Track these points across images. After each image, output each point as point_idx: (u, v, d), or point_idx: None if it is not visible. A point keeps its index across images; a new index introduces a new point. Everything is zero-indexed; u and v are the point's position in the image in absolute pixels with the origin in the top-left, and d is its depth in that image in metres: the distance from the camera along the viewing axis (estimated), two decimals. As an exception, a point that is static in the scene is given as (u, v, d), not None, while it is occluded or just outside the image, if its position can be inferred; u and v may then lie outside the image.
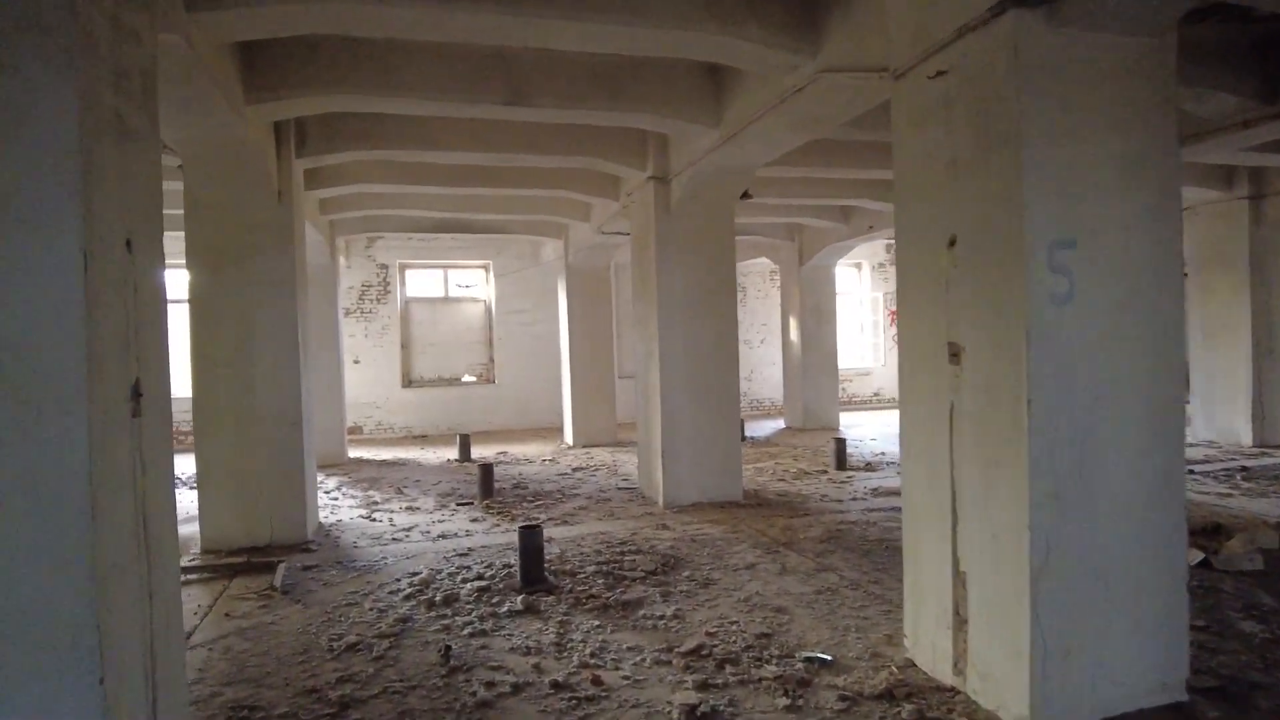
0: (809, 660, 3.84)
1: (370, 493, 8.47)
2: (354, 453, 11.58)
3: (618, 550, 5.84)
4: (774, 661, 3.84)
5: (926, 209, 3.65)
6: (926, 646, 3.72)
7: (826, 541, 6.04)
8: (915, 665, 3.78)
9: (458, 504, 7.74)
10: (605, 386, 11.78)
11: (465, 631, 4.30)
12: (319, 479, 9.12)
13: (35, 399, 2.06)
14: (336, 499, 8.19)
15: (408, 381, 13.78)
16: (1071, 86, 3.14)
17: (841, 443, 9.32)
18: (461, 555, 5.86)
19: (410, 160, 7.85)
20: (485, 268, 14.21)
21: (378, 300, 13.45)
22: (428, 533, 6.59)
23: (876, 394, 16.82)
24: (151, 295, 2.65)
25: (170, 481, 2.82)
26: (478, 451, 11.18)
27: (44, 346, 2.07)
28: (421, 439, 13.20)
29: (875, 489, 8.02)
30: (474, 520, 7.01)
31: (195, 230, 6.13)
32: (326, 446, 10.42)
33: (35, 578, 2.08)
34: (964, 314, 3.42)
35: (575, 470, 9.54)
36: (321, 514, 7.45)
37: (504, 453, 11.22)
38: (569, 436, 11.82)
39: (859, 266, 16.80)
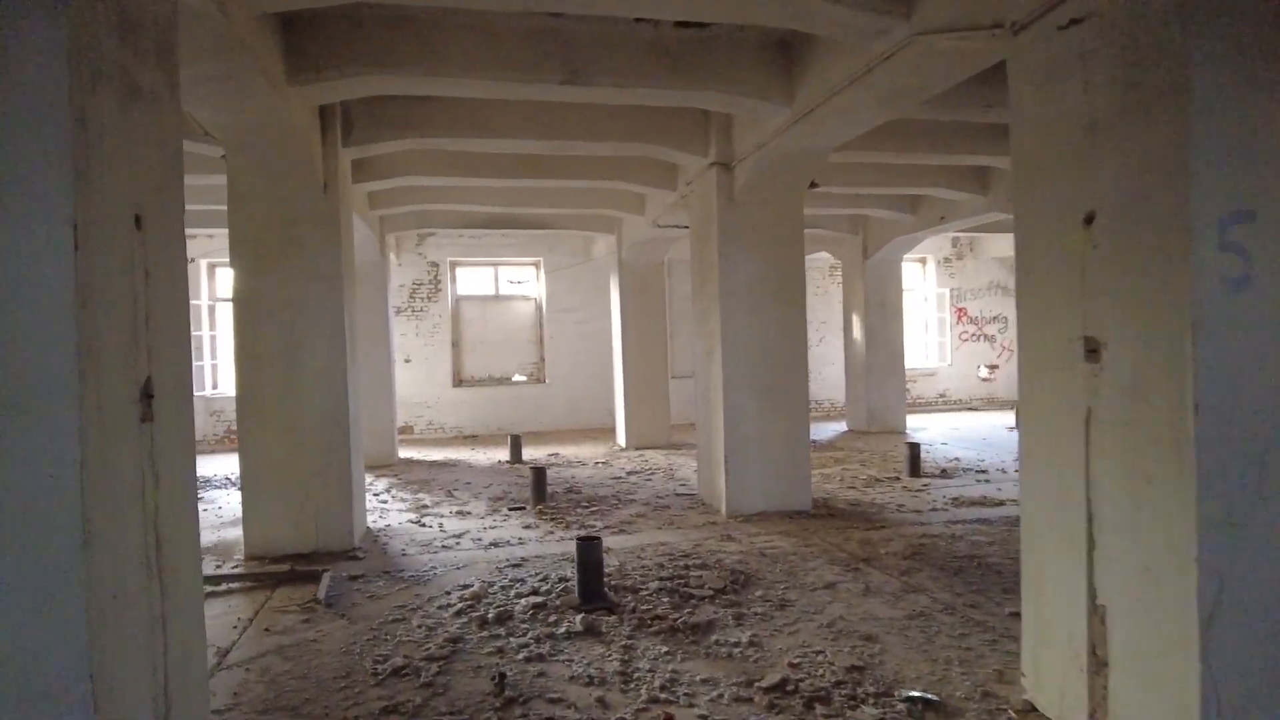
0: (911, 700, 3.35)
1: (420, 495, 8.20)
2: (404, 453, 11.39)
3: (681, 564, 5.40)
4: (871, 701, 3.36)
5: (1055, 182, 3.12)
6: (1052, 689, 3.19)
7: (911, 558, 5.51)
8: (1037, 710, 3.26)
9: (510, 509, 7.40)
10: (659, 387, 11.36)
11: (520, 655, 3.91)
12: (369, 481, 8.90)
13: (16, 403, 1.71)
14: (386, 502, 7.93)
15: (458, 381, 13.57)
16: (1248, 25, 2.59)
17: (915, 448, 8.72)
18: (515, 566, 5.49)
19: (460, 150, 7.54)
20: (536, 265, 13.92)
21: (428, 298, 13.26)
22: (479, 540, 6.25)
23: (942, 395, 16.04)
24: (168, 281, 2.31)
25: (190, 493, 2.47)
26: (529, 453, 10.88)
27: (26, 341, 1.72)
28: (472, 439, 12.97)
29: (956, 498, 7.41)
30: (527, 527, 6.65)
31: (239, 223, 5.89)
32: (377, 447, 10.23)
33: (19, 617, 1.73)
34: (1104, 303, 2.89)
35: (630, 474, 9.13)
36: (370, 518, 7.18)
37: (555, 454, 10.88)
38: (621, 438, 11.43)
39: (923, 261, 16.04)
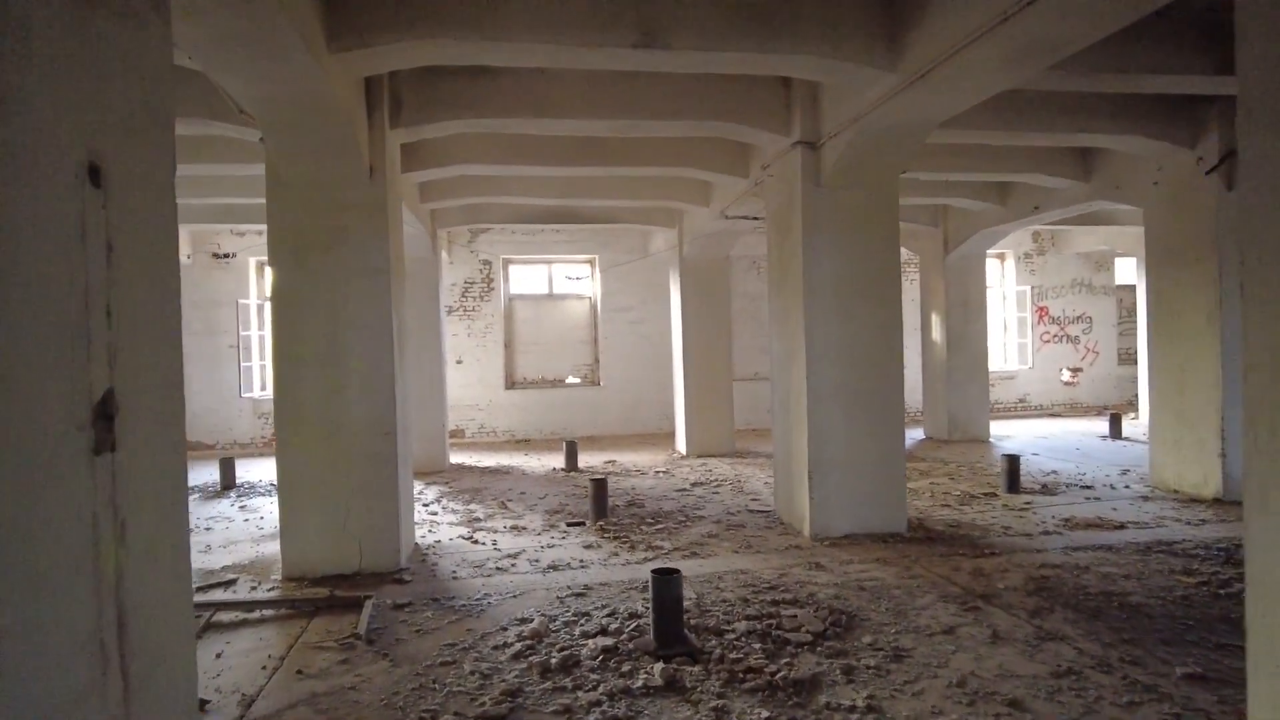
0: (1097, 807, 2.59)
1: (472, 506, 7.65)
2: (456, 458, 10.90)
3: (768, 598, 4.70)
4: (1043, 806, 2.61)
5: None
6: (1298, 805, 2.41)
7: (1036, 594, 4.71)
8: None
9: (568, 524, 6.79)
10: (722, 391, 10.64)
11: (592, 717, 3.27)
12: (418, 489, 8.41)
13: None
14: (436, 514, 7.40)
15: (511, 383, 13.06)
16: None
17: (1014, 461, 7.84)
18: (578, 595, 4.85)
19: (516, 134, 6.98)
20: (591, 262, 13.34)
21: (481, 297, 12.79)
22: (536, 562, 5.64)
23: (1022, 400, 14.96)
24: (144, 259, 1.71)
25: (176, 544, 1.87)
26: (584, 459, 10.27)
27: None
28: (525, 444, 12.44)
29: (1067, 520, 6.55)
30: (588, 547, 6.02)
31: (278, 213, 5.40)
32: (427, 452, 9.76)
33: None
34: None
35: (694, 485, 8.44)
36: (420, 531, 6.65)
37: (612, 462, 10.25)
38: (682, 445, 10.75)
39: (1002, 257, 14.99)
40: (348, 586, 5.18)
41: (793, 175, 6.20)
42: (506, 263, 13.08)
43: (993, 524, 6.50)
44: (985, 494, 7.69)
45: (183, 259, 11.34)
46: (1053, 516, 6.71)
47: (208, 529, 7.02)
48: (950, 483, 8.35)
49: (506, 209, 10.05)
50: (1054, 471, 8.82)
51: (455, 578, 5.35)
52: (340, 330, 5.45)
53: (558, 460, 10.38)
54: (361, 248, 5.48)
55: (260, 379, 12.29)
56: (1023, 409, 14.93)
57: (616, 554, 5.80)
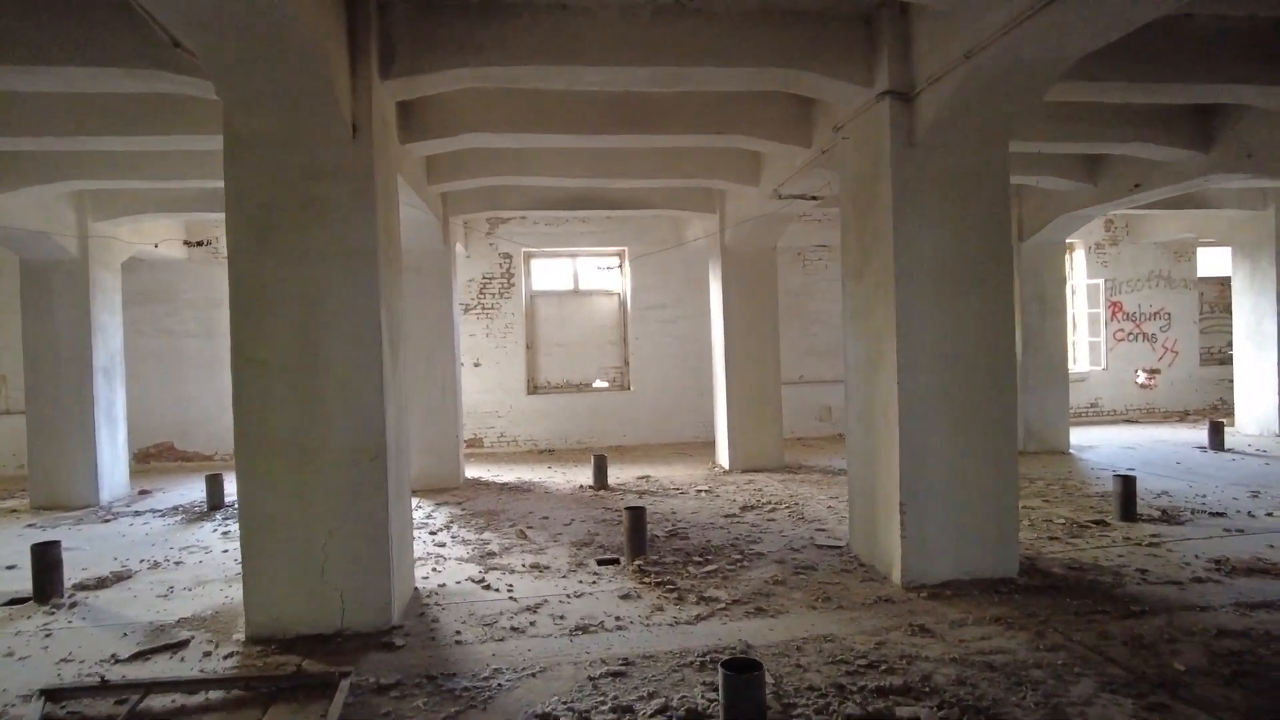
0: None
1: (486, 536, 6.53)
2: (472, 471, 9.81)
3: (869, 683, 3.51)
4: None
5: None
6: None
7: (1235, 684, 3.47)
8: None
9: (599, 561, 5.64)
10: (769, 397, 9.43)
11: None
12: (426, 512, 7.34)
13: None
14: (444, 545, 6.29)
15: (533, 387, 11.96)
16: None
17: (1128, 484, 6.54)
18: (615, 675, 3.70)
19: (535, 88, 5.85)
20: (619, 256, 12.19)
21: (500, 294, 11.69)
22: (561, 620, 4.50)
23: (1094, 405, 13.57)
24: None
25: None
26: (614, 474, 9.13)
27: None
28: (548, 454, 11.32)
29: (1218, 562, 5.26)
30: (625, 596, 4.86)
31: (237, 181, 4.31)
32: (438, 468, 8.68)
33: None
34: None
35: (745, 510, 7.25)
36: (423, 568, 5.56)
37: (646, 478, 9.09)
38: (724, 458, 9.56)
39: (1070, 247, 13.60)
40: (324, 654, 4.07)
41: (878, 134, 5.00)
42: (528, 256, 11.98)
43: (1122, 565, 5.24)
44: (1094, 522, 6.42)
45: (176, 253, 10.37)
46: (1196, 556, 5.43)
47: (178, 563, 5.97)
48: (1046, 506, 7.07)
49: (526, 194, 8.94)
50: (1165, 492, 7.50)
51: (460, 642, 4.22)
52: (316, 329, 4.35)
53: (584, 475, 9.24)
54: (343, 225, 4.38)
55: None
56: (1094, 415, 13.53)
57: (661, 608, 4.63)
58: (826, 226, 12.16)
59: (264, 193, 4.32)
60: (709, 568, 5.38)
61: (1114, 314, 13.74)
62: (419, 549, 6.14)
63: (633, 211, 9.54)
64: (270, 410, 4.32)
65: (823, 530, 6.41)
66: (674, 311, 11.99)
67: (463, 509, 7.65)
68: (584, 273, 12.19)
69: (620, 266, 12.20)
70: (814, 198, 7.61)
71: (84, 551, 6.37)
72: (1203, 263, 14.06)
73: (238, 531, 6.76)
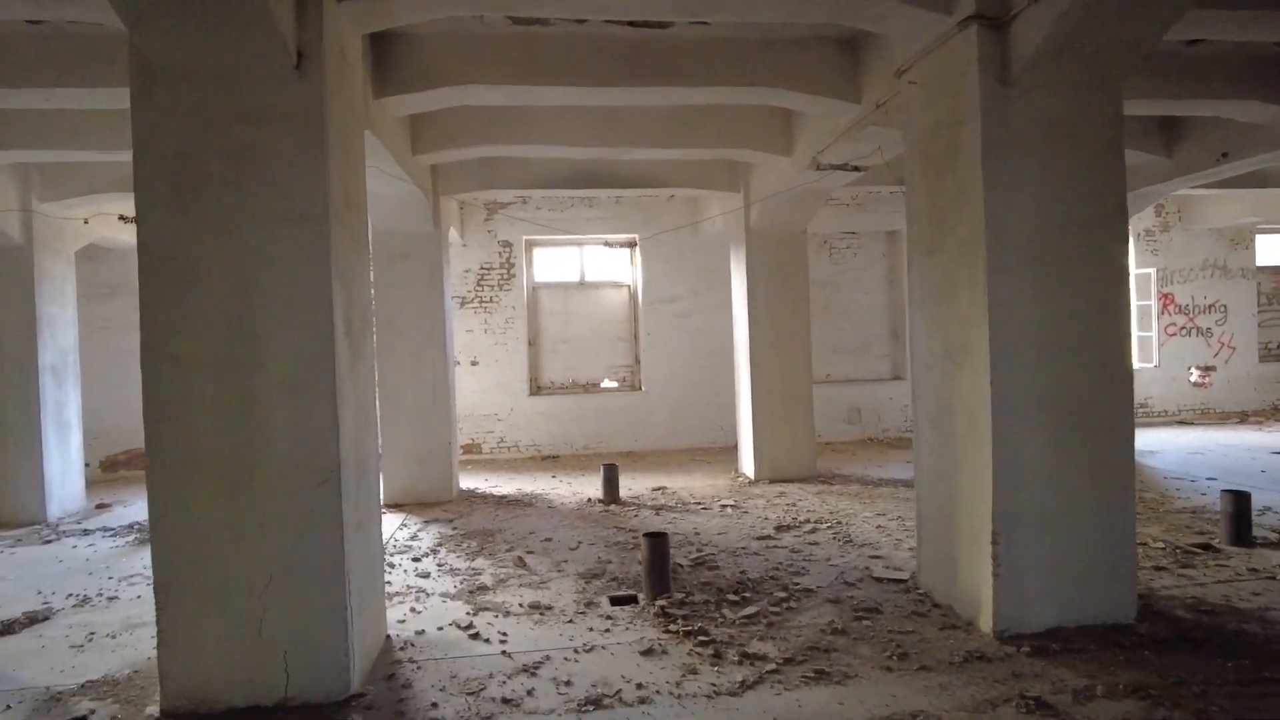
0: None
1: (478, 563, 5.56)
2: (467, 482, 8.84)
3: (998, 801, 2.52)
4: None
5: None
6: None
7: None
8: None
9: (613, 600, 4.66)
10: (800, 398, 8.43)
11: None
12: (412, 531, 6.38)
13: None
14: (428, 574, 5.32)
15: (536, 388, 10.98)
16: None
17: (1242, 501, 5.51)
18: (640, 780, 2.71)
19: (534, 32, 4.88)
20: (630, 244, 11.19)
21: (499, 286, 10.71)
22: (566, 685, 3.51)
23: (1144, 405, 12.49)
24: None
25: None
26: (627, 484, 8.15)
27: None
28: (552, 461, 10.33)
29: (1380, 602, 4.26)
30: (647, 652, 3.87)
31: (147, 126, 3.35)
32: (429, 479, 7.72)
33: None
34: None
35: (780, 530, 6.24)
36: (400, 608, 4.60)
37: (662, 489, 8.10)
38: (748, 465, 8.56)
39: (1118, 234, 12.54)
40: (254, 741, 3.10)
41: (959, 72, 4.00)
42: (530, 244, 10.99)
43: (1267, 607, 4.23)
44: (1199, 546, 5.40)
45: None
46: (1349, 595, 4.42)
47: (111, 598, 5.02)
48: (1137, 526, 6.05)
49: (526, 169, 7.96)
50: (1268, 508, 6.47)
51: (436, 719, 3.24)
52: (251, 315, 3.38)
53: (593, 486, 8.27)
54: (285, 182, 3.41)
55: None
56: (1145, 416, 12.47)
57: (694, 669, 3.64)
58: (855, 211, 11.17)
59: (182, 140, 3.35)
60: (748, 610, 4.38)
61: (1165, 307, 12.68)
62: (398, 580, 5.17)
63: (646, 192, 8.59)
64: (192, 419, 3.35)
65: (877, 557, 5.41)
66: (689, 304, 10.99)
67: (454, 528, 6.67)
68: (591, 262, 11.19)
69: (631, 256, 11.21)
70: (857, 169, 6.60)
71: (5, 583, 5.42)
72: (1261, 250, 12.99)
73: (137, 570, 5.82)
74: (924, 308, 4.53)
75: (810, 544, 5.79)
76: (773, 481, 8.22)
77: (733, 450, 10.38)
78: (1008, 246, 3.89)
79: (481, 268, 10.67)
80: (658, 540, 4.65)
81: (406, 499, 7.70)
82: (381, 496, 7.84)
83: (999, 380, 3.87)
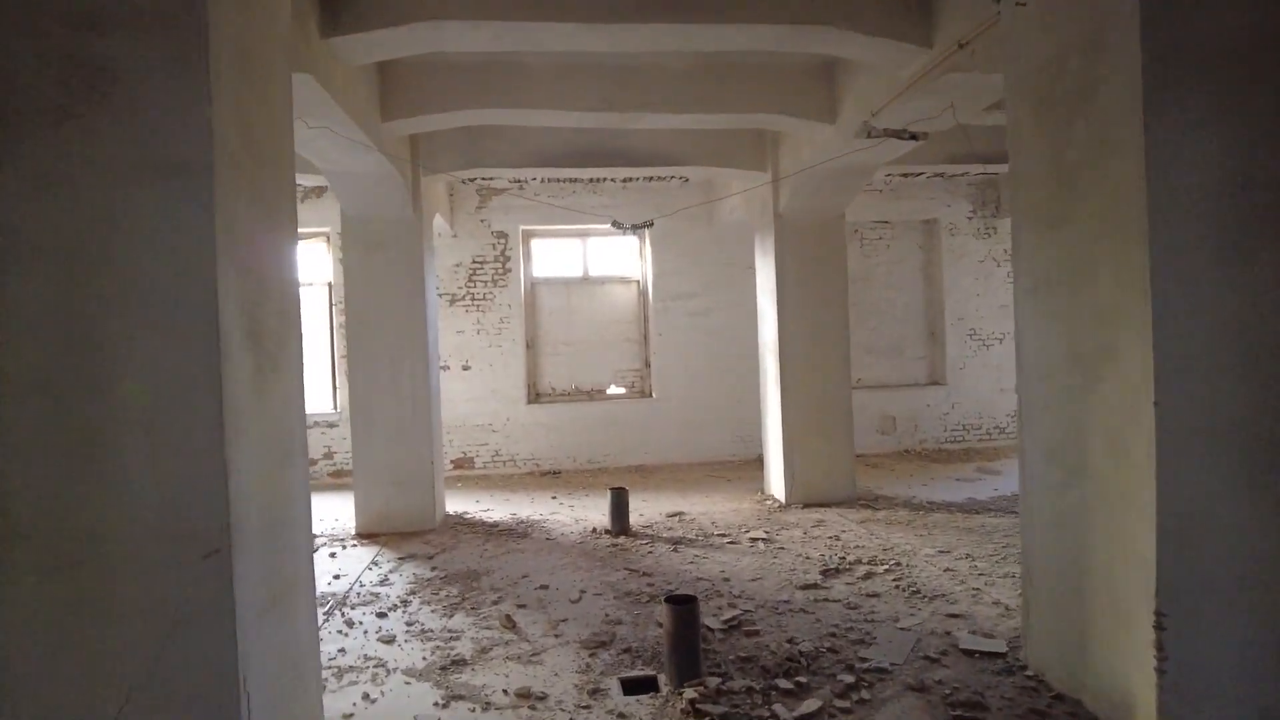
0: None
1: (457, 622, 4.47)
2: (455, 503, 7.75)
3: None
4: None
5: None
6: None
7: None
8: None
9: (625, 684, 3.56)
10: (836, 407, 7.32)
11: None
12: (382, 573, 5.34)
13: None
14: (392, 638, 4.23)
15: (534, 395, 9.88)
16: None
17: None
18: None
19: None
20: (646, 225, 10.07)
21: (494, 282, 9.61)
22: (563, 847, 2.42)
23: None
24: None
25: None
26: (638, 507, 7.05)
27: None
28: (553, 477, 9.24)
29: None
30: (676, 779, 2.78)
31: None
32: (406, 504, 6.67)
33: None
34: None
35: (827, 574, 5.13)
36: (350, 692, 3.54)
37: (679, 515, 6.99)
38: (777, 486, 7.45)
39: None
40: None
41: (1105, -28, 2.90)
42: (527, 235, 9.90)
43: None
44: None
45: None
46: None
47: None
48: None
49: (520, 143, 6.88)
50: None
51: None
52: (95, 311, 2.30)
53: (598, 511, 7.18)
54: (147, 114, 2.32)
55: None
56: None
57: (746, 816, 2.54)
58: (889, 198, 10.07)
59: (-13, 48, 2.27)
60: (808, 705, 3.27)
61: None
62: (354, 648, 4.09)
63: (656, 177, 7.47)
64: (3, 466, 2.26)
65: (956, 616, 4.30)
66: (705, 301, 9.88)
67: (433, 567, 5.58)
68: (596, 255, 10.09)
69: (640, 248, 10.11)
70: (915, 136, 5.48)
71: None
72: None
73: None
74: (1039, 298, 3.42)
75: (868, 595, 4.68)
76: (806, 506, 7.11)
77: (756, 465, 9.27)
78: (1178, 212, 2.78)
79: (474, 261, 9.58)
80: (685, 608, 3.54)
81: (381, 528, 6.62)
82: (354, 527, 6.81)
83: (1167, 397, 2.76)
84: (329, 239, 9.19)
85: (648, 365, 10.06)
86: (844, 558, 5.43)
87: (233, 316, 2.44)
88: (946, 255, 10.36)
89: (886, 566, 5.21)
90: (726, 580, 5.03)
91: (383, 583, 5.24)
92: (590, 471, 9.46)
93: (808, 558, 5.48)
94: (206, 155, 2.34)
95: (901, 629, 4.14)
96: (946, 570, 5.11)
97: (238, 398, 2.45)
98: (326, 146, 5.16)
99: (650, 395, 9.95)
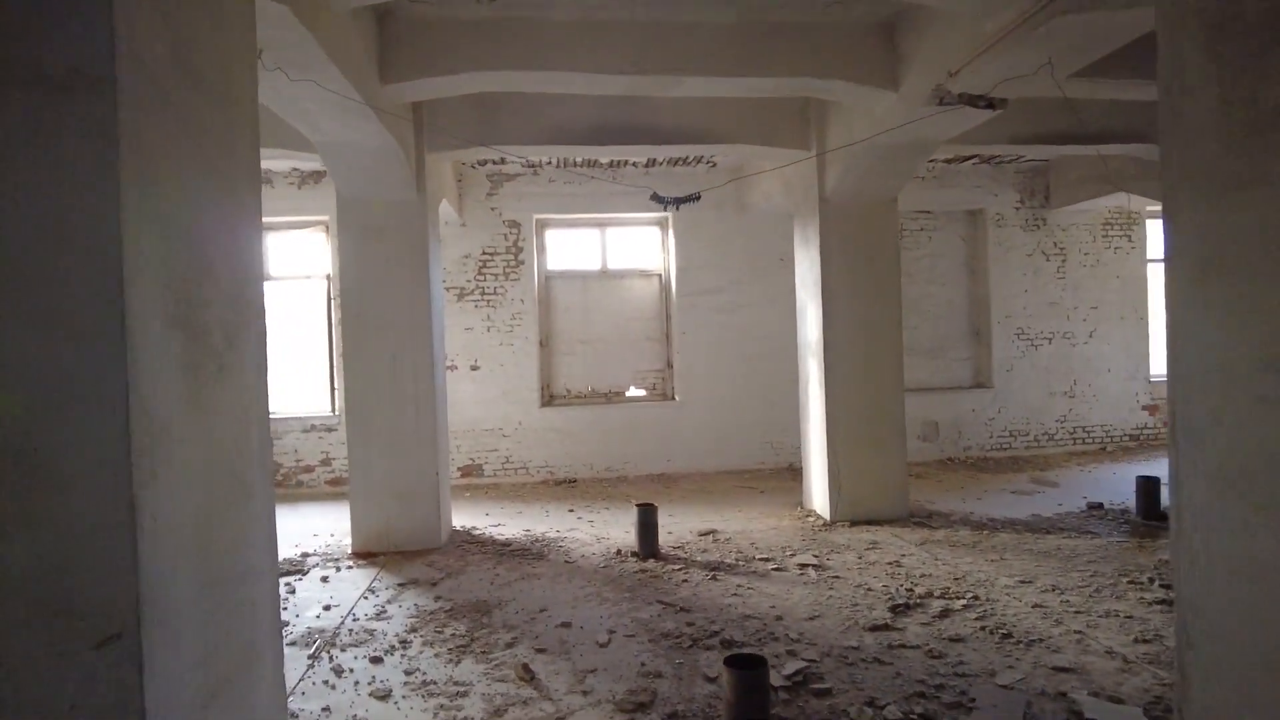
0: None
1: (464, 671, 3.76)
2: (463, 517, 7.06)
3: None
4: None
5: None
6: None
7: None
8: None
9: (674, 765, 2.85)
10: (888, 413, 6.57)
11: None
12: (378, 603, 4.65)
13: None
14: (388, 693, 3.52)
15: (548, 398, 9.17)
16: None
17: None
18: None
19: None
20: (661, 223, 9.37)
21: (505, 276, 8.91)
22: None
23: None
24: None
25: None
26: (666, 525, 6.29)
27: None
28: (568, 487, 8.53)
29: None
30: None
31: None
32: (409, 520, 5.98)
33: None
34: None
35: (897, 613, 4.37)
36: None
37: (712, 533, 6.26)
38: (820, 501, 6.71)
39: None
40: None
41: None
42: (541, 225, 9.19)
43: None
44: None
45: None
46: None
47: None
48: None
49: (536, 116, 6.17)
50: None
51: None
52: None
53: (620, 526, 6.47)
54: (15, 7, 1.61)
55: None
56: None
57: None
58: (930, 186, 9.31)
59: None
60: (915, 805, 2.55)
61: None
62: (341, 705, 3.39)
63: (690, 150, 6.74)
64: None
65: (1064, 669, 3.56)
66: (733, 297, 9.14)
67: (437, 596, 4.87)
68: (615, 247, 9.38)
69: (662, 239, 9.39)
70: (992, 104, 4.73)
71: None
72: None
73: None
74: (1210, 286, 2.66)
75: (951, 640, 3.95)
76: (854, 523, 6.36)
77: (788, 475, 8.55)
78: None
79: (484, 253, 8.87)
80: (752, 674, 2.82)
81: (380, 546, 5.93)
82: (350, 545, 6.10)
83: None
84: (328, 228, 8.51)
85: (670, 366, 9.33)
86: (912, 590, 4.70)
87: (150, 299, 1.74)
88: (992, 248, 9.59)
89: (964, 601, 4.47)
90: (779, 619, 4.30)
91: (380, 615, 4.54)
92: (608, 480, 8.74)
93: (869, 589, 4.75)
94: (108, 63, 1.63)
95: (1003, 687, 3.41)
96: (1036, 607, 4.37)
97: (159, 413, 1.74)
98: (315, 110, 4.46)
99: (673, 398, 9.22)
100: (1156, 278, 10.07)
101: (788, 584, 4.91)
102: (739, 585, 4.89)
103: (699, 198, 6.10)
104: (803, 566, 5.24)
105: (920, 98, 4.86)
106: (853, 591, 4.72)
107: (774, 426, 9.04)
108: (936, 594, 4.62)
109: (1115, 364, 9.82)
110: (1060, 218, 9.73)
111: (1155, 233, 10.06)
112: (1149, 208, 9.77)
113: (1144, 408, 9.87)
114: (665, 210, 6.01)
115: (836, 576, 5.02)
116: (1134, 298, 9.85)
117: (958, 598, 4.55)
